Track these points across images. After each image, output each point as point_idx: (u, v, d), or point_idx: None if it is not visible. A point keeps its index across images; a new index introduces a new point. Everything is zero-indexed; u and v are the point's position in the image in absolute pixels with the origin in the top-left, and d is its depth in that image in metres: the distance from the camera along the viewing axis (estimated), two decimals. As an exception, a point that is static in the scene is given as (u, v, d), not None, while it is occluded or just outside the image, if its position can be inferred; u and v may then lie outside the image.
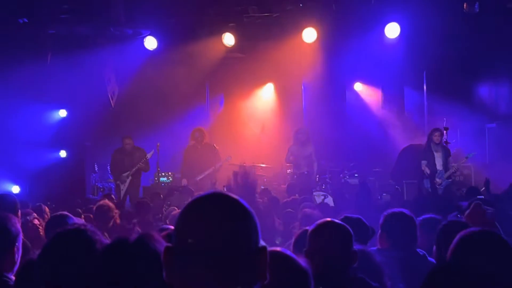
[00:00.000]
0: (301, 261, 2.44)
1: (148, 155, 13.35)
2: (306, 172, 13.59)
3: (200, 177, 13.27)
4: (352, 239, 3.51)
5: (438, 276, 1.89)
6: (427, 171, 12.08)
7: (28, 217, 6.19)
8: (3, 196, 6.18)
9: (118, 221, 6.58)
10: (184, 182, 12.91)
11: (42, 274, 2.63)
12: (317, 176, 13.74)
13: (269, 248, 2.33)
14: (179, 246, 1.72)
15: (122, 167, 13.31)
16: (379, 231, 4.74)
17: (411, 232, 4.67)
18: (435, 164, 12.12)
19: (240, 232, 1.71)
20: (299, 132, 13.88)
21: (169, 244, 1.75)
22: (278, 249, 2.48)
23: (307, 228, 4.09)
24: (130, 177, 13.28)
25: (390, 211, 4.85)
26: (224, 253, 1.68)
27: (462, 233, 2.88)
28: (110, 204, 6.98)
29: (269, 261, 1.77)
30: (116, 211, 6.73)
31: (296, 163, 13.76)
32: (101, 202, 6.95)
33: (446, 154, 12.23)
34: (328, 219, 3.66)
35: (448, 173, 12.04)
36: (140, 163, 13.25)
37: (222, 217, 1.71)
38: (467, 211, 4.31)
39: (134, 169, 13.24)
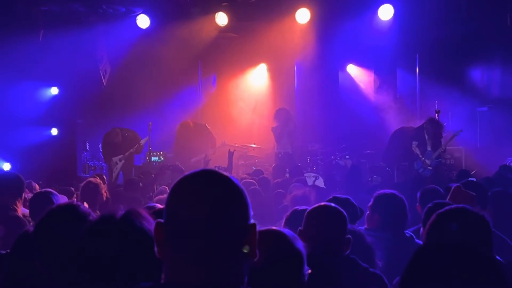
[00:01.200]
0: (298, 242, 2.46)
1: (142, 141, 13.28)
2: (290, 152, 13.65)
3: (194, 159, 13.28)
4: (346, 226, 3.53)
5: (422, 256, 1.91)
6: (417, 151, 12.10)
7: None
8: (9, 175, 6.01)
9: (106, 195, 6.49)
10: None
11: (37, 250, 2.64)
12: (308, 158, 13.76)
13: (266, 227, 2.34)
14: (170, 223, 1.73)
15: (114, 150, 13.25)
16: (368, 211, 4.78)
17: (401, 214, 4.71)
18: (425, 146, 12.15)
19: (231, 209, 1.72)
20: (278, 112, 13.92)
21: (160, 220, 1.76)
22: (274, 228, 2.49)
23: (297, 207, 4.11)
24: (122, 161, 13.24)
25: (381, 192, 4.88)
26: (215, 230, 1.69)
27: (438, 211, 2.93)
28: (98, 180, 6.86)
29: (263, 239, 1.77)
30: (103, 186, 6.65)
31: (280, 143, 13.82)
32: (87, 180, 6.78)
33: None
34: (326, 203, 3.67)
35: (436, 153, 12.05)
36: (133, 149, 13.21)
37: (212, 194, 1.72)
38: (449, 195, 4.34)
39: (127, 154, 13.20)
